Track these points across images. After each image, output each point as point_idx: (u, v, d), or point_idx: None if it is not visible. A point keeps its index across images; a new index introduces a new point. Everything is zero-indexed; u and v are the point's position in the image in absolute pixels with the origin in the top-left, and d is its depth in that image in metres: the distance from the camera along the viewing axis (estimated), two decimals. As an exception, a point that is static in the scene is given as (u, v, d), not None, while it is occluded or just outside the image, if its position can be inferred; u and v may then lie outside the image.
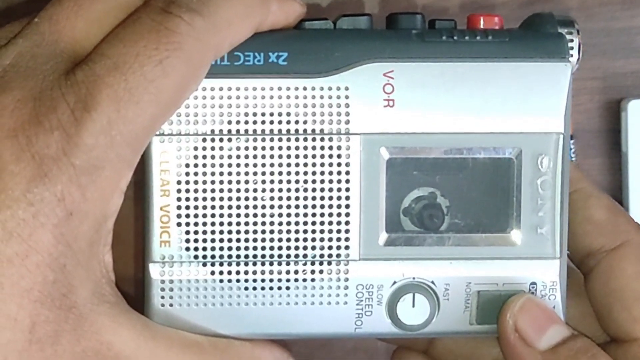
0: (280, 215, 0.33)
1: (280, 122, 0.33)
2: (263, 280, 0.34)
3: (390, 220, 0.34)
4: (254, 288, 0.34)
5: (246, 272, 0.34)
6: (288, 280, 0.34)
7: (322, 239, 0.34)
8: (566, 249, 0.35)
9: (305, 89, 0.33)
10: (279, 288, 0.34)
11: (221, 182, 0.33)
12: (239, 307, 0.34)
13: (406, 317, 0.34)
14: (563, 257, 0.34)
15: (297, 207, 0.33)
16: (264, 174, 0.33)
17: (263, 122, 0.33)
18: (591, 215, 0.36)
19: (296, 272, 0.34)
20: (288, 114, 0.33)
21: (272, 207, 0.33)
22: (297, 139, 0.33)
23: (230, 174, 0.33)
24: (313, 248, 0.34)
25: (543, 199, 0.34)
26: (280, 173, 0.33)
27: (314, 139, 0.33)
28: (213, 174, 0.33)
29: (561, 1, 0.41)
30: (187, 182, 0.33)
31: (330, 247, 0.34)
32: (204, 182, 0.33)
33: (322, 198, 0.33)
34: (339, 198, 0.34)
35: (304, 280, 0.34)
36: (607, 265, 0.35)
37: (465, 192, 0.34)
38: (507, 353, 0.34)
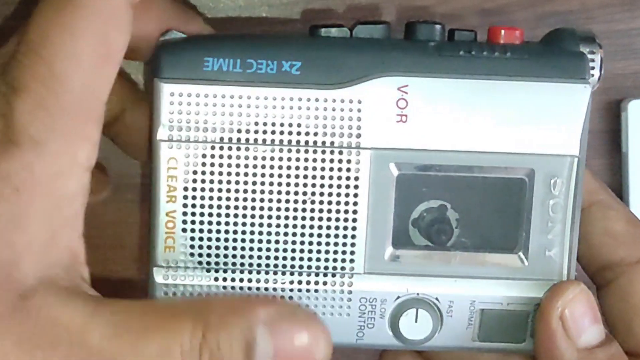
0: (286, 225, 0.33)
1: (290, 133, 0.33)
2: (266, 289, 0.34)
3: (397, 235, 0.34)
4: (257, 296, 0.34)
5: (250, 280, 0.34)
6: (291, 290, 0.34)
7: (327, 252, 0.33)
8: (574, 272, 0.34)
9: (317, 100, 0.33)
10: (282, 297, 0.34)
11: (228, 190, 0.33)
12: None
13: (408, 332, 0.34)
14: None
15: (303, 218, 0.33)
16: (271, 184, 0.33)
17: (273, 132, 0.33)
18: (611, 227, 0.35)
19: (300, 282, 0.34)
20: (299, 125, 0.33)
21: (278, 217, 0.33)
22: (306, 151, 0.33)
23: (237, 182, 0.33)
24: (318, 260, 0.33)
25: (553, 222, 0.34)
26: (288, 184, 0.33)
27: (323, 152, 0.33)
28: (220, 182, 0.33)
29: (562, 3, 0.41)
30: (194, 189, 0.33)
31: (335, 260, 0.33)
32: (211, 190, 0.33)
33: (330, 211, 0.33)
34: (346, 212, 0.33)
35: (308, 290, 0.34)
36: (627, 279, 0.34)
37: (475, 210, 0.34)
38: (543, 339, 0.33)
